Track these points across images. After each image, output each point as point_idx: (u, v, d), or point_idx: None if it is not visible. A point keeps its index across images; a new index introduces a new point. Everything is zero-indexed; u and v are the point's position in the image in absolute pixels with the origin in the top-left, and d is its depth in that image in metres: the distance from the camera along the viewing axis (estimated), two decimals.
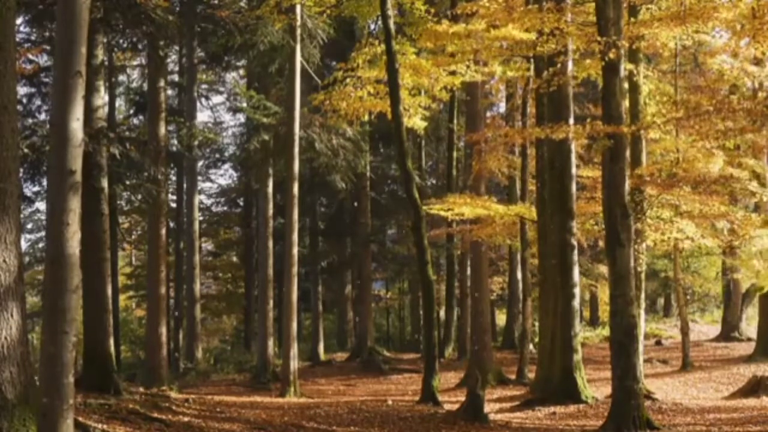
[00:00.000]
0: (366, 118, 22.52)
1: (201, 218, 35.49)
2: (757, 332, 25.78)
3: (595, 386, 17.63)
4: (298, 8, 19.40)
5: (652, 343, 31.05)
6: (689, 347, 23.34)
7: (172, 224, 31.15)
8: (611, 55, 12.79)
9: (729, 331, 32.44)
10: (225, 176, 68.30)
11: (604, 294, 33.35)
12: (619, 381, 12.55)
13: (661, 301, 45.88)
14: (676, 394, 18.90)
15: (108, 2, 14.93)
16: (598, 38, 13.04)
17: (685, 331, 23.17)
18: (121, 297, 36.10)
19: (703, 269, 37.78)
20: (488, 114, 33.76)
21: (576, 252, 16.84)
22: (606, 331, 27.08)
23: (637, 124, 16.60)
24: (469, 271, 26.01)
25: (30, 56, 17.71)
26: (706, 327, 36.72)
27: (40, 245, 38.27)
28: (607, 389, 15.30)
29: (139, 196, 24.36)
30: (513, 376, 22.23)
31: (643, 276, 18.75)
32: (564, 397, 16.08)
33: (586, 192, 22.14)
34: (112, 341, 15.61)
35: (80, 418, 9.73)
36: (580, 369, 16.47)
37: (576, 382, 16.19)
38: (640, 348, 13.56)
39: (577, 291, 16.73)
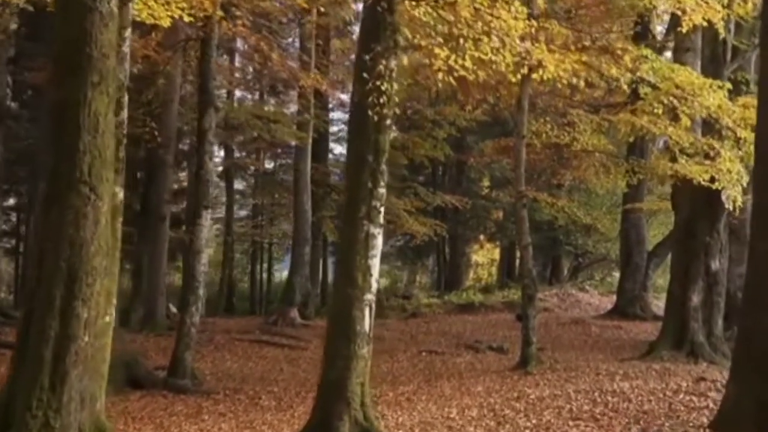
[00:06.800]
0: None
1: None
2: (666, 306, 15.71)
3: None
4: None
5: (510, 318, 21.09)
6: (533, 327, 12.86)
7: None
8: None
9: (627, 305, 22.60)
10: None
11: None
12: None
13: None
14: None
15: None
16: None
17: (530, 295, 12.72)
18: None
19: (603, 219, 27.66)
20: None
21: None
22: None
23: None
24: None
25: None
26: (598, 298, 26.74)
27: None
28: None
29: None
30: None
31: None
32: None
33: None
34: None
35: None
36: None
37: None
38: None
39: None
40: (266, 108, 27.89)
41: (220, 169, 33.05)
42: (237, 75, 30.69)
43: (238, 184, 36.47)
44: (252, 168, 34.29)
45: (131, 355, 12.94)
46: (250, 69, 29.64)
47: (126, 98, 7.72)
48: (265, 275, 37.81)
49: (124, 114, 7.65)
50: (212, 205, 34.44)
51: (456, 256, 34.86)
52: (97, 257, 6.52)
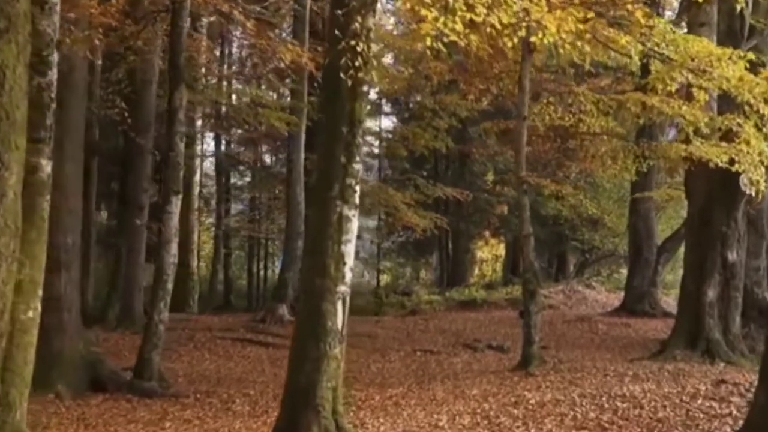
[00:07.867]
0: None
1: None
2: (679, 301, 14.56)
3: None
4: None
5: (513, 315, 19.99)
6: (535, 325, 11.72)
7: None
8: None
9: (635, 302, 21.44)
10: None
11: None
12: None
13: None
14: None
15: None
16: None
17: (532, 290, 11.59)
18: None
19: (610, 211, 26.54)
20: None
21: None
22: None
23: None
24: None
25: None
26: (605, 295, 25.60)
27: None
28: None
29: None
30: None
31: None
32: None
33: None
34: None
35: None
36: None
37: None
38: None
39: None
40: (258, 93, 26.63)
41: (212, 161, 32.05)
42: (234, 68, 29.75)
43: (236, 179, 35.48)
44: (248, 162, 33.20)
45: (95, 354, 11.89)
46: (248, 63, 28.66)
47: (55, 57, 6.62)
48: (262, 272, 36.73)
49: (53, 75, 6.57)
50: (207, 200, 33.38)
51: (459, 252, 33.66)
52: (3, 238, 5.43)
